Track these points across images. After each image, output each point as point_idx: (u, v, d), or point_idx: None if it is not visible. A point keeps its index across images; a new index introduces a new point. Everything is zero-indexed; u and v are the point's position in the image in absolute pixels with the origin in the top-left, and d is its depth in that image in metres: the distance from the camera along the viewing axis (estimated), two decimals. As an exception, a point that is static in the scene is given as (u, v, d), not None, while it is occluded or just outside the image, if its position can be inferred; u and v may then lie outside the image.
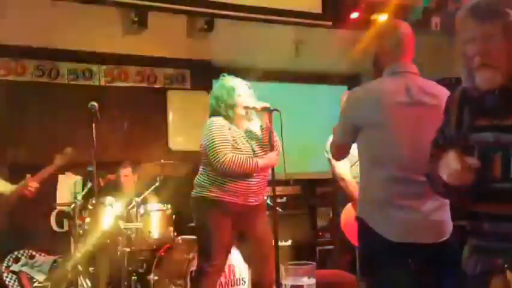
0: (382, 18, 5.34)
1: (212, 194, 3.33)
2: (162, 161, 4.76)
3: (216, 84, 3.54)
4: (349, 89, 7.68)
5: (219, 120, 3.36)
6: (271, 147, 3.35)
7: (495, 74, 1.56)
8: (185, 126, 6.26)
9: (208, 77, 6.46)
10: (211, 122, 3.35)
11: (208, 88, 6.44)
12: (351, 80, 7.62)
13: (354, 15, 5.39)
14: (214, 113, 3.42)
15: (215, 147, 3.24)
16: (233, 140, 3.31)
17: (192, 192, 3.46)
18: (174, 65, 6.21)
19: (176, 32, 5.55)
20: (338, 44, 6.11)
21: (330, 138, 3.96)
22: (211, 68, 6.40)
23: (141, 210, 4.48)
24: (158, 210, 4.52)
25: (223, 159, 3.21)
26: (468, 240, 1.71)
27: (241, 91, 3.41)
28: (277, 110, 3.31)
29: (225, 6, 4.85)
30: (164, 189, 4.77)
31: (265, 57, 6.16)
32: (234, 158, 3.23)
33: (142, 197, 4.58)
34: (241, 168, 3.25)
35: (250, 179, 3.34)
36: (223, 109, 3.38)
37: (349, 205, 3.76)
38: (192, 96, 6.37)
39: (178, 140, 6.20)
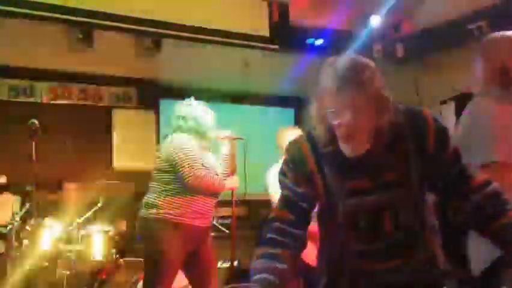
0: (326, 44, 5.48)
1: (168, 215, 3.20)
2: (105, 180, 4.67)
3: (192, 105, 3.43)
4: (296, 111, 7.87)
5: (188, 138, 3.31)
6: (232, 173, 3.46)
7: (360, 143, 1.54)
8: (130, 146, 6.18)
9: (155, 96, 6.45)
10: (180, 138, 3.28)
11: (154, 107, 6.45)
12: (296, 103, 7.78)
13: (301, 39, 5.52)
14: (181, 131, 3.36)
15: (189, 162, 3.17)
16: (200, 159, 3.29)
17: (142, 212, 3.30)
18: (120, 84, 6.15)
19: (123, 51, 5.50)
20: (285, 68, 6.22)
21: (273, 168, 4.04)
22: (158, 87, 6.38)
23: (82, 232, 4.37)
24: (100, 231, 4.41)
25: (198, 174, 3.16)
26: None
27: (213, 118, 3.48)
28: (241, 138, 3.51)
29: (173, 27, 4.85)
30: (107, 209, 4.67)
31: (213, 77, 6.20)
32: (207, 174, 3.21)
33: (83, 218, 4.46)
34: (212, 186, 3.24)
35: (209, 200, 3.32)
36: (200, 130, 3.35)
37: None
38: (138, 115, 6.31)
39: (123, 159, 6.11)
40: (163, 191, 3.26)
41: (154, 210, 3.23)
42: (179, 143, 3.24)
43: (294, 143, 1.70)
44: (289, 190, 1.67)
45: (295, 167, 1.65)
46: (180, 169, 3.18)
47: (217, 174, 3.35)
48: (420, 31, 4.76)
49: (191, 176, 3.16)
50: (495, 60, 2.08)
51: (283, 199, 1.69)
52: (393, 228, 1.60)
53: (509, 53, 2.07)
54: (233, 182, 3.51)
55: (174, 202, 3.23)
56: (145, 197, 3.34)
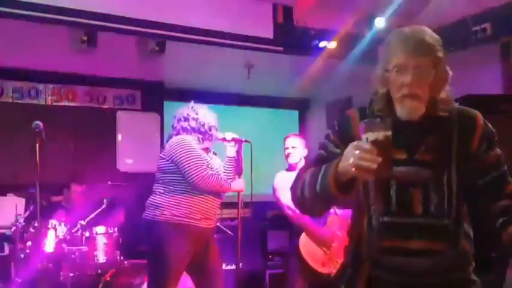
0: (331, 46, 5.46)
1: (173, 216, 3.20)
2: (110, 182, 4.67)
3: (198, 108, 3.42)
4: (300, 113, 7.86)
5: (192, 139, 3.32)
6: (240, 175, 3.47)
7: (419, 104, 1.58)
8: (134, 148, 6.19)
9: (160, 98, 6.45)
10: (183, 139, 3.28)
11: (159, 109, 6.45)
12: (301, 105, 7.77)
13: (305, 41, 5.50)
14: (184, 132, 3.35)
15: (195, 162, 3.19)
16: (205, 160, 3.30)
17: (146, 214, 3.30)
18: (124, 86, 6.16)
19: (127, 53, 5.51)
20: (289, 69, 6.22)
21: (281, 172, 4.03)
22: (162, 90, 6.38)
23: (86, 233, 4.36)
24: (104, 233, 4.40)
25: (204, 174, 3.17)
26: (361, 274, 1.68)
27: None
28: (248, 141, 3.50)
29: (177, 28, 4.85)
30: (111, 211, 4.67)
31: (217, 79, 6.19)
32: (213, 174, 3.23)
33: (87, 219, 4.46)
34: (219, 186, 3.26)
35: (214, 201, 3.33)
36: (203, 131, 3.35)
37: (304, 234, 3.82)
38: (142, 118, 6.32)
39: (127, 161, 6.11)
40: (167, 192, 3.26)
41: (158, 212, 3.23)
42: (183, 144, 3.24)
43: (344, 113, 1.75)
44: (326, 151, 1.70)
45: (340, 130, 1.70)
46: (186, 169, 3.18)
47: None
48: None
49: (197, 176, 3.17)
50: None
51: (318, 158, 1.71)
52: (422, 209, 1.60)
53: None
54: (239, 184, 3.50)
55: (179, 203, 3.22)
56: (149, 199, 3.33)
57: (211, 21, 5.00)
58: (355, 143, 1.44)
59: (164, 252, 3.17)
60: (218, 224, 4.27)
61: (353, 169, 1.41)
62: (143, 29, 4.77)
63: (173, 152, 3.22)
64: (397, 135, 1.54)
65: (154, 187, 3.35)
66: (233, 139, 3.43)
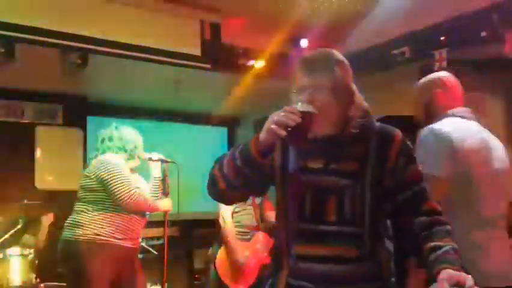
0: (259, 64, 5.52)
1: (96, 236, 3.14)
2: (26, 201, 4.47)
3: (122, 128, 3.44)
4: (228, 130, 7.88)
5: (119, 158, 3.31)
6: (166, 195, 3.52)
7: (318, 124, 1.60)
8: (55, 164, 5.96)
9: (83, 113, 6.26)
10: (111, 158, 3.27)
11: (82, 125, 6.25)
12: (230, 122, 7.80)
13: (233, 59, 5.54)
14: (110, 152, 3.34)
15: (123, 180, 3.17)
16: (131, 179, 3.31)
17: (66, 234, 3.21)
18: (45, 99, 5.95)
19: (47, 65, 5.30)
20: (218, 87, 6.22)
21: None
22: (85, 104, 6.20)
23: (0, 255, 4.15)
24: (19, 255, 4.20)
25: (132, 192, 3.16)
26: (280, 280, 1.70)
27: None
28: (173, 162, 3.59)
29: (100, 42, 4.73)
30: (27, 231, 4.46)
31: (143, 95, 6.10)
32: (140, 194, 3.22)
33: (1, 240, 4.24)
34: (145, 205, 3.26)
35: (139, 220, 3.31)
36: (128, 151, 3.35)
37: (222, 248, 3.95)
38: (63, 133, 6.11)
39: (46, 178, 5.87)
40: (90, 211, 3.21)
41: (80, 231, 3.16)
42: (110, 163, 3.22)
43: None
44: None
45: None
46: (113, 188, 3.14)
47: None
48: (349, 55, 4.90)
49: (125, 195, 3.14)
50: None
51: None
52: (336, 217, 1.63)
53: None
54: (166, 204, 3.52)
55: (102, 222, 3.18)
56: (70, 218, 3.25)
57: (138, 36, 4.92)
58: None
59: (87, 273, 3.09)
60: (143, 244, 4.22)
61: (272, 125, 1.49)
62: (64, 42, 4.62)
63: (100, 171, 3.19)
64: (314, 146, 1.64)
65: (75, 206, 3.27)
66: (159, 159, 3.47)
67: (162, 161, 3.51)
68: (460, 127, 2.27)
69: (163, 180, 3.50)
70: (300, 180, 1.68)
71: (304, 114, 1.52)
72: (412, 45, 4.64)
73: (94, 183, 3.20)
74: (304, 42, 5.19)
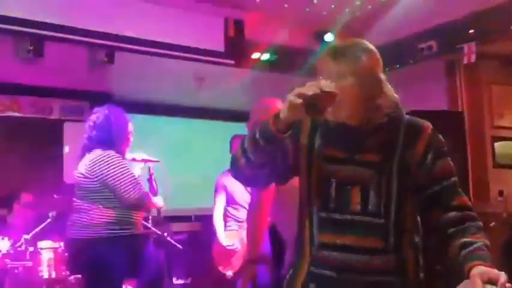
0: (282, 60, 5.55)
1: (112, 230, 3.22)
2: (56, 195, 4.55)
3: (116, 115, 3.39)
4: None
5: (117, 154, 3.31)
6: (155, 194, 3.52)
7: (340, 111, 1.61)
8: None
9: (108, 110, 6.35)
10: (114, 155, 3.26)
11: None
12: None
13: (256, 55, 5.57)
14: (107, 144, 3.31)
15: (133, 179, 3.21)
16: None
17: (77, 234, 3.31)
18: (72, 97, 6.04)
19: (75, 63, 5.39)
20: (240, 82, 6.25)
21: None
22: (111, 101, 6.27)
23: (31, 248, 4.22)
24: (49, 248, 4.27)
25: (142, 191, 3.23)
26: (301, 269, 1.71)
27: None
28: (158, 161, 3.60)
29: (126, 40, 4.80)
30: (57, 225, 4.54)
31: (166, 91, 6.16)
32: (146, 192, 3.30)
33: (32, 233, 4.32)
34: (149, 202, 3.34)
35: (140, 212, 3.40)
36: (118, 143, 3.33)
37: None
38: (90, 129, 6.19)
39: (74, 174, 5.97)
40: (95, 209, 3.25)
41: (96, 229, 3.24)
42: (115, 161, 3.23)
43: None
44: None
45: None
46: (122, 186, 3.18)
47: None
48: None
49: (134, 194, 3.21)
50: None
51: None
52: (360, 208, 1.64)
53: None
54: (159, 202, 3.56)
55: (108, 218, 3.24)
56: (79, 218, 3.30)
57: (162, 33, 4.98)
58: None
59: (105, 267, 3.17)
60: (168, 238, 4.33)
61: (292, 97, 1.49)
62: (91, 40, 4.70)
63: (106, 169, 3.21)
64: (338, 136, 1.65)
65: (83, 205, 3.31)
66: (143, 160, 3.49)
67: (145, 161, 3.50)
68: None
69: (149, 180, 3.50)
70: (325, 169, 1.68)
71: (324, 90, 1.49)
72: (439, 39, 4.57)
73: (95, 183, 3.24)
74: (329, 37, 5.19)
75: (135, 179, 3.25)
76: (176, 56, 5.12)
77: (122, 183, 3.17)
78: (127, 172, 3.21)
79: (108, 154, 3.24)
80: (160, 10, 4.90)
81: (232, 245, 4.55)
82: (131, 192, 3.17)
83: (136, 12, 4.89)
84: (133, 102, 6.30)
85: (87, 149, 3.33)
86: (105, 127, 3.31)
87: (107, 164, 3.20)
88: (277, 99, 3.22)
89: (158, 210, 3.71)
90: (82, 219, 3.28)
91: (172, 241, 5.04)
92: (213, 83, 6.03)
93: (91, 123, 3.35)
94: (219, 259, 4.64)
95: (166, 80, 5.79)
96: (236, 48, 5.38)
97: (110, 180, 3.17)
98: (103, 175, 3.19)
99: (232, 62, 5.39)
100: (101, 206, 3.24)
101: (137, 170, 3.44)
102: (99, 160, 3.22)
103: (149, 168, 3.50)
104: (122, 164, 3.22)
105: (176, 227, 5.61)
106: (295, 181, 1.81)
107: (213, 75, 5.84)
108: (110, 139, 3.30)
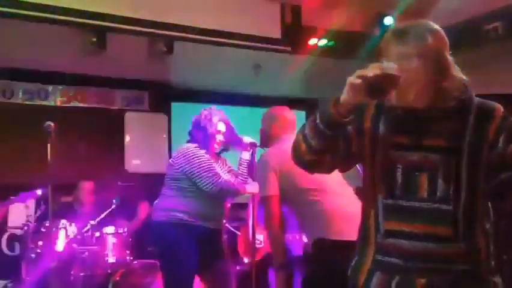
0: (340, 45, 5.46)
1: (184, 218, 3.26)
2: (119, 182, 4.69)
3: (205, 113, 3.44)
4: (307, 114, 7.83)
5: (199, 148, 3.36)
6: (254, 178, 3.47)
7: (406, 94, 1.55)
8: (142, 149, 6.20)
9: (167, 99, 6.46)
10: (191, 147, 3.33)
11: (166, 110, 6.46)
12: (309, 105, 7.75)
13: (313, 41, 5.50)
14: (192, 138, 3.41)
15: (210, 169, 3.25)
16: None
17: (156, 216, 3.36)
18: (132, 87, 6.18)
19: (135, 54, 5.51)
20: (296, 69, 6.21)
21: None
22: (170, 91, 6.39)
23: (97, 233, 4.38)
24: (114, 233, 4.42)
25: (220, 180, 3.24)
26: (367, 257, 1.69)
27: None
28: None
29: (185, 29, 4.86)
30: (120, 211, 4.68)
31: (224, 80, 6.19)
32: (226, 180, 3.29)
33: (97, 219, 4.48)
34: (234, 190, 3.33)
35: (221, 204, 3.41)
36: (204, 139, 3.38)
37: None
38: (150, 119, 6.33)
39: (135, 162, 6.13)
40: (178, 194, 3.31)
41: (167, 214, 3.28)
42: (191, 153, 3.29)
43: None
44: None
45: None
46: (200, 176, 3.22)
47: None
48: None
49: (212, 183, 3.22)
50: None
51: None
52: (428, 194, 1.59)
53: None
54: (254, 187, 3.47)
55: (189, 205, 3.28)
56: (158, 201, 3.37)
57: (219, 21, 5.01)
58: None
59: (177, 254, 3.22)
60: (227, 225, 4.33)
61: (353, 78, 1.45)
62: (151, 30, 4.79)
63: (185, 160, 3.27)
64: (404, 121, 1.58)
65: (163, 190, 3.39)
66: (251, 143, 3.48)
67: (253, 145, 3.49)
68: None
69: (251, 163, 3.49)
70: (391, 155, 1.63)
71: (385, 71, 1.44)
72: (506, 21, 4.36)
73: (177, 172, 3.30)
74: (389, 20, 5.05)
75: (215, 169, 3.27)
76: (234, 44, 5.14)
77: (200, 171, 3.23)
78: (207, 161, 3.26)
79: (190, 145, 3.35)
80: (217, -1, 4.94)
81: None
82: (209, 181, 3.22)
83: (194, 2, 4.94)
84: (190, 91, 6.39)
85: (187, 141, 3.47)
86: (193, 123, 3.44)
87: (187, 154, 3.29)
88: (286, 107, 3.26)
89: (253, 195, 3.65)
90: (159, 203, 3.38)
91: (231, 228, 5.11)
92: (270, 71, 6.01)
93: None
94: (241, 247, 4.80)
95: (222, 68, 5.82)
96: (293, 35, 5.34)
97: (189, 173, 3.25)
98: (182, 166, 3.28)
99: (289, 48, 5.36)
100: (178, 193, 3.31)
101: (244, 153, 3.46)
102: (179, 151, 3.36)
103: (252, 152, 3.48)
104: (202, 155, 3.27)
105: (235, 214, 5.65)
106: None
107: (270, 62, 5.82)
108: (193, 134, 3.42)
